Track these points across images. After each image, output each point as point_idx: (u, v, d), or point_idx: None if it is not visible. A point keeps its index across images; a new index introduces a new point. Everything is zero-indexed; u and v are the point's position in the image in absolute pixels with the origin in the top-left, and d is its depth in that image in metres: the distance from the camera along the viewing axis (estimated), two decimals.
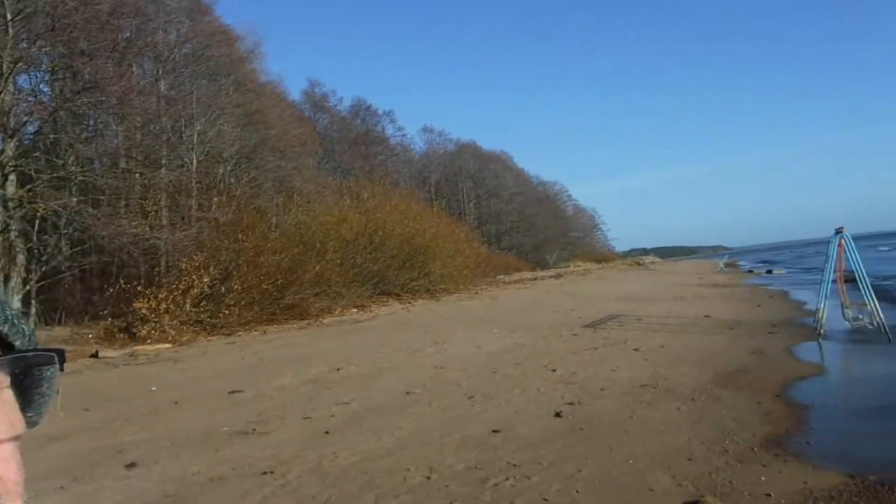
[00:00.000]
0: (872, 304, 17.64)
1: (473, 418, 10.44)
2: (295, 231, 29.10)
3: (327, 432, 9.97)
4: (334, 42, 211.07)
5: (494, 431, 9.57)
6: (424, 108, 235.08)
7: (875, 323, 17.69)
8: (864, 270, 18.12)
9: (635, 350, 16.54)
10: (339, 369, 14.96)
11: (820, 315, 18.19)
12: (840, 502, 6.78)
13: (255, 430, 10.32)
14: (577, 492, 7.21)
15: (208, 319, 22.56)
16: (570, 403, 11.14)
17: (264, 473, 8.19)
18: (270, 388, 13.36)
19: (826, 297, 18.26)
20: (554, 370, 14.19)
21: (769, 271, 62.78)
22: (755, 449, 8.35)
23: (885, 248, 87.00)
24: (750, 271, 69.68)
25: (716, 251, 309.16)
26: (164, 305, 22.00)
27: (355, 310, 27.37)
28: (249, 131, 32.75)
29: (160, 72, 30.78)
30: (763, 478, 7.41)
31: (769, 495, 6.95)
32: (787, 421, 9.66)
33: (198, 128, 29.16)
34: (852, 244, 18.18)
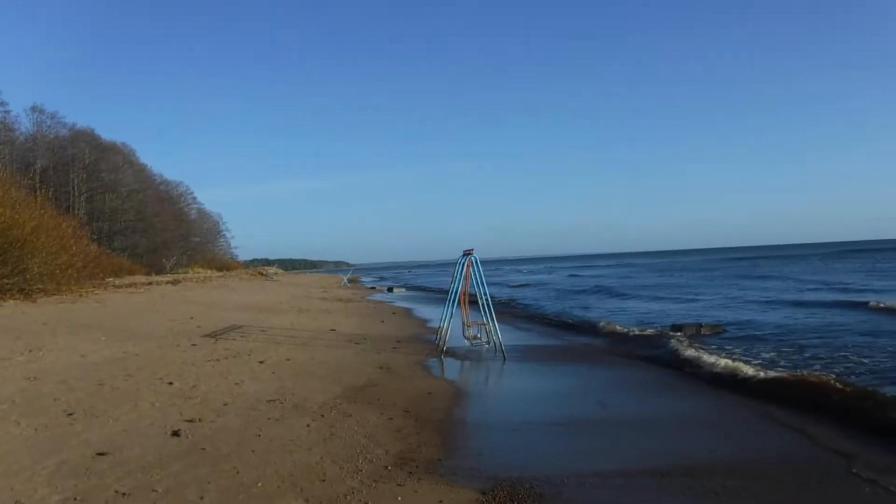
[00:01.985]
0: (491, 325, 18.48)
1: (74, 439, 9.12)
2: None
3: None
4: None
5: (99, 454, 8.41)
6: (35, 83, 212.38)
7: (492, 342, 18.53)
8: (487, 292, 19.03)
9: (260, 363, 15.90)
10: None
11: (443, 332, 18.76)
12: None
13: None
14: None
15: None
16: (190, 420, 10.23)
17: None
18: None
19: (450, 315, 18.82)
20: (171, 383, 13.10)
21: (390, 289, 65.15)
22: (389, 467, 8.15)
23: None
24: (372, 288, 72.11)
25: (338, 266, 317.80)
26: None
27: None
28: None
29: None
30: (399, 497, 7.21)
31: None
32: (418, 437, 9.65)
33: None
34: (479, 267, 19.01)
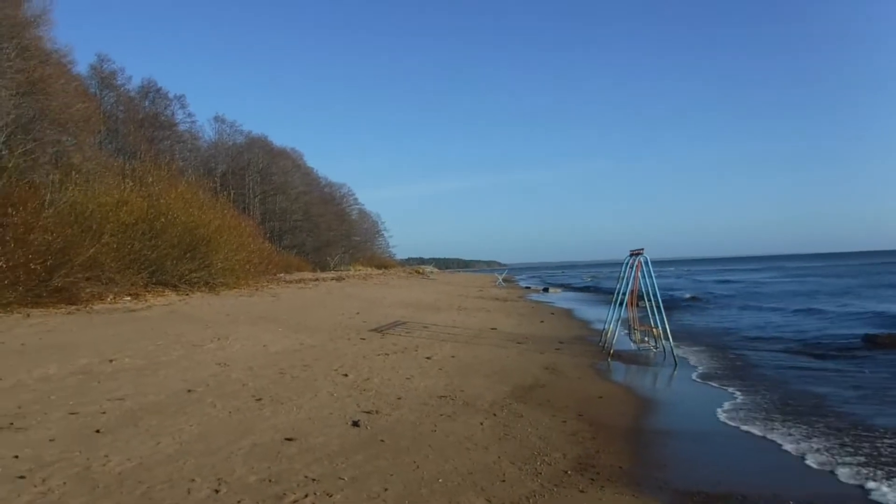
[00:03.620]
0: (662, 328, 17.87)
1: (263, 423, 9.62)
2: (70, 210, 26.98)
3: (98, 431, 8.86)
4: (127, 15, 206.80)
5: (288, 439, 8.83)
6: (217, 95, 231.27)
7: (660, 346, 17.96)
8: (658, 294, 18.29)
9: (427, 358, 16.22)
10: (111, 361, 13.64)
11: (609, 335, 18.34)
12: None
13: (12, 424, 9.01)
14: None
15: None
16: (368, 412, 10.55)
17: (21, 478, 7.06)
18: (32, 378, 11.89)
19: (617, 317, 18.43)
20: (346, 375, 13.58)
21: (546, 289, 64.67)
22: (569, 472, 8.06)
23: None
24: (528, 288, 71.79)
25: (490, 266, 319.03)
26: None
27: (129, 298, 25.72)
28: (29, 100, 30.18)
29: None
30: None
31: None
32: (594, 442, 9.49)
33: None
34: (650, 267, 18.30)
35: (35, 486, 6.84)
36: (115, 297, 24.88)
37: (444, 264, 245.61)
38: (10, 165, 26.41)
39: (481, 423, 10.20)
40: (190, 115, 74.91)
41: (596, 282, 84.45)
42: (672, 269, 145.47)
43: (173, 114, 71.01)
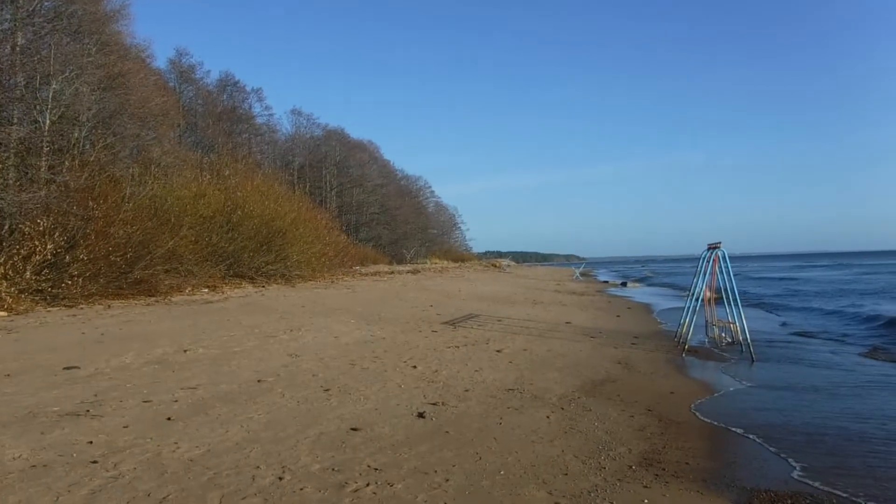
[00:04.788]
0: (739, 324, 17.49)
1: (330, 413, 9.74)
2: (150, 203, 27.72)
3: (169, 419, 9.10)
4: (205, 10, 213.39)
5: (353, 429, 8.91)
6: (294, 88, 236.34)
7: (738, 342, 17.50)
8: (735, 289, 17.84)
9: (498, 351, 16.16)
10: (186, 351, 13.98)
11: (684, 330, 17.97)
12: None
13: (88, 411, 9.30)
14: None
15: (49, 289, 21.04)
16: (434, 404, 10.58)
17: (94, 462, 7.26)
18: (110, 367, 12.27)
19: (693, 312, 18.00)
20: (415, 367, 13.64)
21: (624, 283, 64.04)
22: (633, 467, 7.93)
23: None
24: (605, 282, 71.10)
25: (569, 259, 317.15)
26: (1, 270, 20.40)
27: (206, 290, 26.35)
28: (109, 95, 30.98)
29: (17, 21, 28.45)
30: (645, 500, 6.96)
31: None
32: (662, 437, 9.31)
33: (54, 86, 27.24)
34: (727, 261, 17.87)
35: (107, 471, 7.03)
36: (193, 289, 25.51)
37: (521, 258, 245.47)
38: (91, 159, 27.13)
39: (548, 417, 10.13)
40: (267, 108, 76.87)
41: (652, 278, 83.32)
42: (739, 264, 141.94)
43: (251, 107, 72.65)
